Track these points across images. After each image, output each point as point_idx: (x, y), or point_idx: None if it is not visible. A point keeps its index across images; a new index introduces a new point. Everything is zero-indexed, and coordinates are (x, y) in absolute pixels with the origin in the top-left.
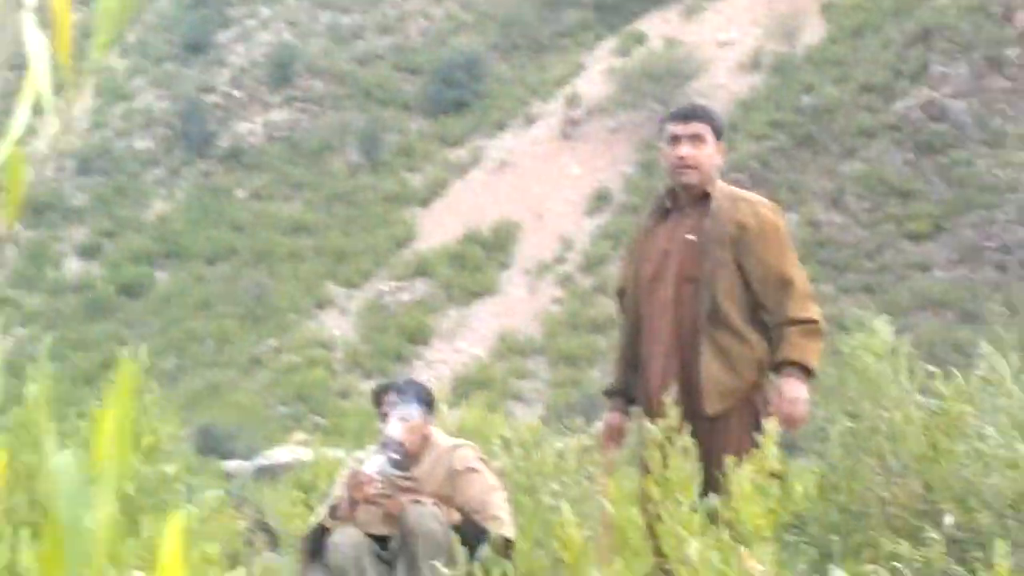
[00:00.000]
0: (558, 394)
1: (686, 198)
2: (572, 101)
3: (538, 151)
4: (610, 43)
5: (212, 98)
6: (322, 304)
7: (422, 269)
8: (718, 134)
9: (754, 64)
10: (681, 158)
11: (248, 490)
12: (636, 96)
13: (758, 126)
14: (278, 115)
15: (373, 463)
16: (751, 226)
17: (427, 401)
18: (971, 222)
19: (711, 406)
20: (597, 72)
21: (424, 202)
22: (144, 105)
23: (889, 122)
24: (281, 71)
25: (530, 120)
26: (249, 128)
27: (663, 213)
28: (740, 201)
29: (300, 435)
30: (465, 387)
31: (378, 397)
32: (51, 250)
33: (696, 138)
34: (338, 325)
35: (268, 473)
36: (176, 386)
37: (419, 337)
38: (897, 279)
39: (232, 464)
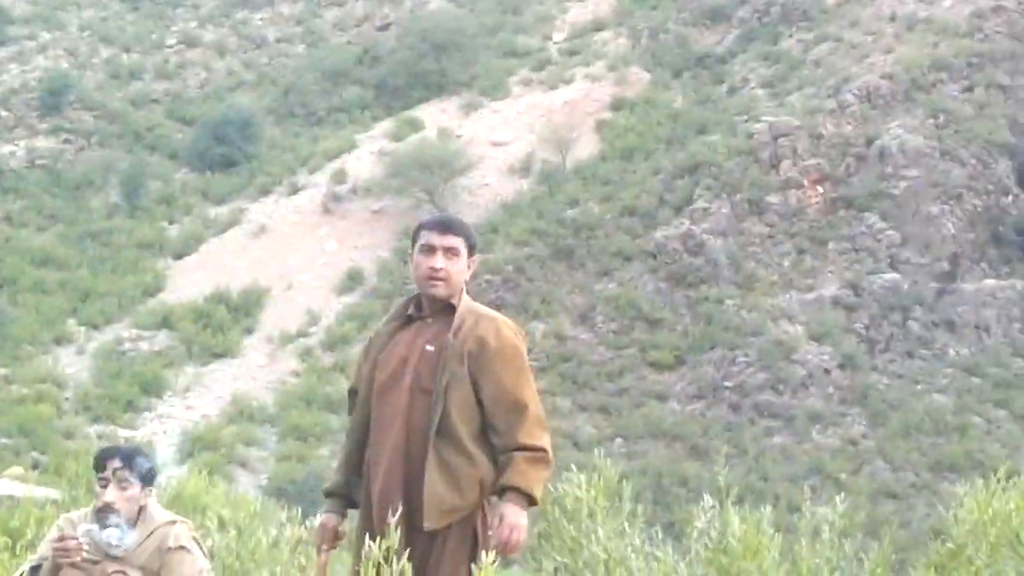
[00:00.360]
0: (283, 467)
1: (430, 308)
2: (339, 177)
3: (298, 221)
4: (385, 125)
5: None
6: (60, 340)
7: (166, 321)
8: (471, 250)
9: (524, 169)
10: (434, 269)
11: None
12: (403, 182)
13: (518, 231)
14: (43, 142)
15: (83, 527)
16: (491, 345)
17: (149, 473)
18: (712, 359)
19: (430, 522)
20: (368, 152)
21: (178, 254)
22: None
23: (647, 248)
24: (53, 98)
25: (295, 189)
26: (11, 151)
27: (406, 320)
28: (483, 318)
29: (17, 469)
30: (192, 445)
31: (101, 461)
32: None
33: (451, 251)
34: (73, 364)
35: None
36: None
37: (153, 388)
38: (634, 405)
39: None
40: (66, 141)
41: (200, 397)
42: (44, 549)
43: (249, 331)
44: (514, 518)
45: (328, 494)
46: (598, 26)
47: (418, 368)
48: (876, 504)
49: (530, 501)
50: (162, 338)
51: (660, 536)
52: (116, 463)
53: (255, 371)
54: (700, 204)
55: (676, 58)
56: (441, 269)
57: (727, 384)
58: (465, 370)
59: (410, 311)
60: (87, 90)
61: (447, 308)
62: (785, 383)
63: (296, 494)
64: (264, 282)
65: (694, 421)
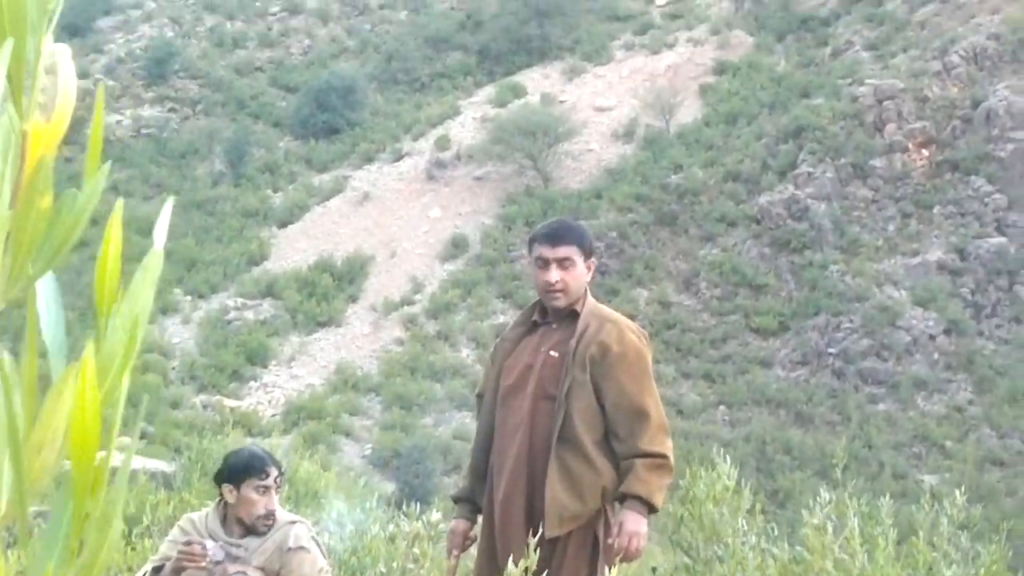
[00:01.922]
0: (388, 436)
1: (554, 314)
2: (442, 143)
3: (401, 188)
4: (488, 91)
5: (84, 83)
6: (166, 310)
7: (271, 290)
8: (588, 253)
9: (627, 134)
10: (550, 283)
11: None
12: (507, 148)
13: (622, 197)
14: (148, 112)
15: (213, 546)
16: (613, 350)
17: (282, 477)
18: (816, 325)
19: (551, 529)
20: (471, 118)
21: (282, 223)
22: None
23: (750, 213)
24: (158, 67)
25: (398, 156)
26: (117, 120)
27: (531, 325)
28: (607, 322)
29: (125, 440)
30: (297, 415)
31: (262, 467)
32: None
33: (565, 261)
34: (179, 333)
35: None
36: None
37: (258, 358)
38: (738, 371)
39: None
40: (171, 110)
41: (304, 366)
42: (167, 549)
43: (353, 299)
44: (634, 526)
45: (457, 500)
46: None
47: (542, 374)
48: (983, 472)
49: (650, 509)
50: (267, 307)
51: (775, 532)
52: (275, 471)
53: (359, 340)
54: (804, 169)
55: (779, 21)
56: (558, 282)
57: (831, 350)
58: (587, 376)
59: (535, 317)
60: (191, 59)
61: (571, 313)
62: (890, 349)
63: (400, 466)
64: (368, 250)
65: (798, 388)
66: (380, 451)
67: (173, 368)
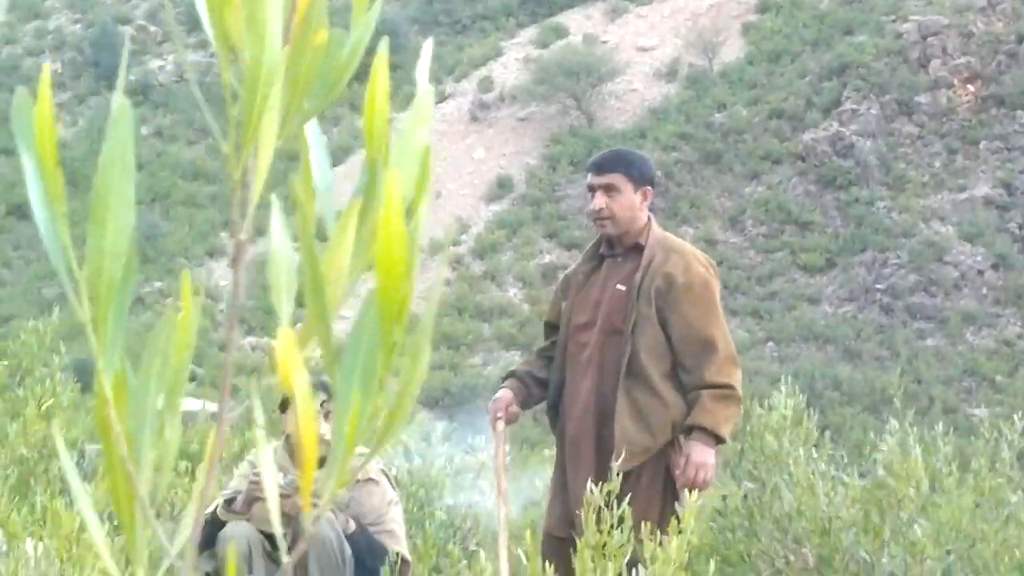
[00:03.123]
0: (437, 376)
1: (620, 246)
2: (485, 85)
3: (445, 129)
4: (530, 32)
5: (127, 28)
6: (213, 253)
7: (318, 232)
8: (639, 180)
9: (670, 73)
10: (595, 210)
11: None
12: (549, 89)
13: (666, 136)
14: (192, 56)
15: (288, 477)
16: (679, 281)
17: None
18: (863, 261)
19: (621, 463)
20: (513, 59)
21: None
22: (56, 26)
23: (795, 151)
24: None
25: (441, 97)
26: (160, 65)
27: (599, 259)
28: (672, 253)
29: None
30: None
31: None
32: None
33: (610, 188)
34: (226, 276)
35: None
36: (55, 315)
37: (305, 299)
38: (785, 308)
39: None
40: (214, 55)
41: (350, 306)
42: (237, 483)
43: None
44: (701, 457)
45: (508, 375)
46: None
47: (609, 309)
48: None
49: (718, 440)
50: None
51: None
52: (323, 396)
53: None
54: (848, 106)
55: None
56: (602, 209)
57: (879, 286)
58: (653, 309)
59: (602, 250)
60: None
61: (636, 246)
62: (937, 284)
63: (451, 404)
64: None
65: (846, 324)
66: (429, 390)
67: (220, 311)
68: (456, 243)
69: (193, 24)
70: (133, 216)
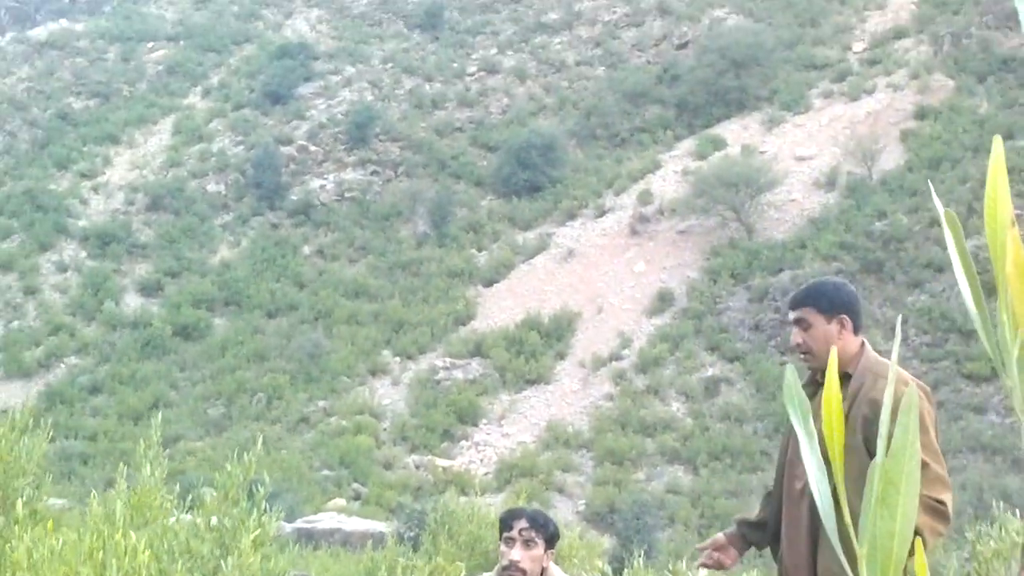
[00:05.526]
0: (601, 492)
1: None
2: (644, 198)
3: (605, 243)
4: (688, 144)
5: (288, 150)
6: (376, 371)
7: (479, 349)
8: (829, 311)
9: (829, 182)
10: (791, 346)
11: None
12: (708, 200)
13: (826, 245)
14: (351, 175)
15: None
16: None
17: (553, 535)
18: None
19: None
20: (672, 171)
21: (488, 281)
22: (219, 148)
23: None
24: (359, 131)
25: (601, 211)
26: (321, 184)
27: (816, 386)
28: (880, 379)
29: (339, 501)
30: (509, 472)
31: (508, 521)
32: (112, 283)
33: (802, 322)
34: (389, 395)
35: (307, 536)
36: (222, 435)
37: (469, 417)
38: (951, 418)
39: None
40: (373, 173)
41: (515, 424)
42: None
43: (561, 356)
44: None
45: (738, 521)
46: (898, 34)
47: (820, 441)
48: None
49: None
50: (475, 366)
51: None
52: (523, 523)
53: (569, 396)
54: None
55: (980, 63)
56: (799, 344)
57: None
58: (859, 438)
59: (817, 376)
60: (392, 121)
61: (845, 375)
62: None
63: (615, 521)
64: (574, 306)
65: (1014, 434)
66: (594, 506)
67: (384, 429)
68: (618, 358)
69: (352, 143)
70: (916, 505)
